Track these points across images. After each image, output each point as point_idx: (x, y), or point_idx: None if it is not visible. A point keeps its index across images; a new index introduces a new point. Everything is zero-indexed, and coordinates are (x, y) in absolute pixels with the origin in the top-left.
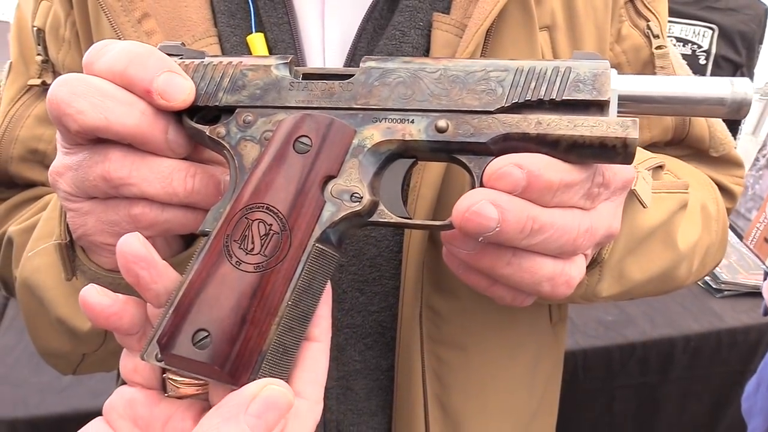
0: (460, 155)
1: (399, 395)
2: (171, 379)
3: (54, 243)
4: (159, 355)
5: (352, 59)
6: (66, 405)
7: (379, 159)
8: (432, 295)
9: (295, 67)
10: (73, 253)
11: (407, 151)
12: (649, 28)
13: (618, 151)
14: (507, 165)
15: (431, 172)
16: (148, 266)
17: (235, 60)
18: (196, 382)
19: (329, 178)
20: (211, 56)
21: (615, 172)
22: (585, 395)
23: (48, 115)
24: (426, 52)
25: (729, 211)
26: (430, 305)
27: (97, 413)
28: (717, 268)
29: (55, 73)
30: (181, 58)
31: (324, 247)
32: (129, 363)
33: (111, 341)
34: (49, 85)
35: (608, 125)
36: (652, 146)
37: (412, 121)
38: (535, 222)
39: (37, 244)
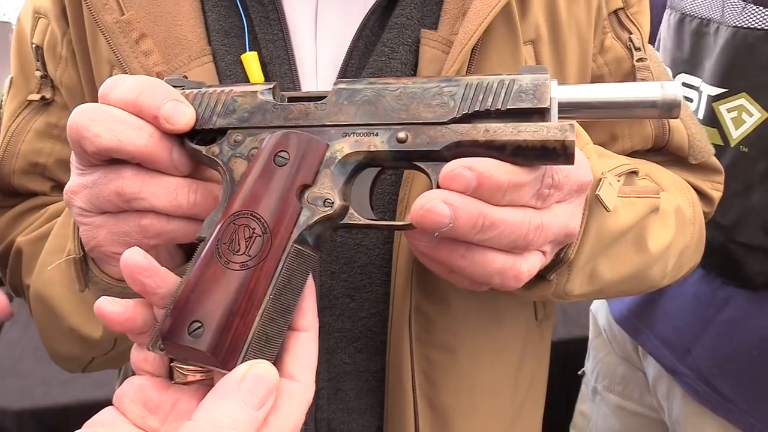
0: (419, 162)
1: (390, 395)
2: (178, 367)
3: (68, 258)
4: (161, 345)
5: (344, 75)
6: (70, 396)
7: (349, 169)
8: (421, 301)
9: (281, 92)
10: (86, 266)
11: (373, 161)
12: (631, 40)
13: (558, 153)
14: (458, 167)
15: (418, 185)
16: (151, 275)
17: (227, 88)
18: (201, 369)
19: (305, 186)
20: (208, 86)
21: (567, 174)
22: (577, 385)
23: (46, 130)
24: (414, 68)
25: (707, 215)
26: (419, 310)
27: (100, 403)
28: None
29: (54, 88)
30: (183, 89)
31: (301, 248)
32: (140, 354)
33: (120, 345)
34: (48, 99)
35: (548, 130)
36: (634, 153)
37: (377, 134)
38: (486, 219)
39: (49, 258)
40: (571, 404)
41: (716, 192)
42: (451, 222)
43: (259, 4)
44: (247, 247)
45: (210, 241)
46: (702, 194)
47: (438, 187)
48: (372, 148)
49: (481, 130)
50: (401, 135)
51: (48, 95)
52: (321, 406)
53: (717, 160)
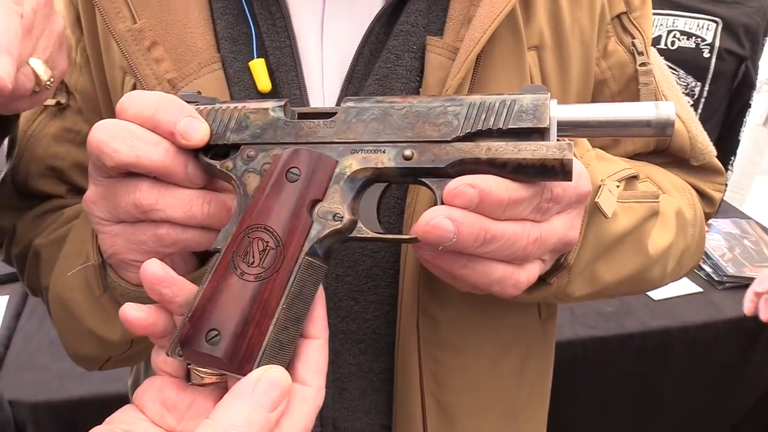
0: (424, 178)
1: (399, 395)
2: (195, 369)
3: (87, 264)
4: (180, 351)
5: (350, 81)
6: (84, 389)
7: (357, 184)
8: (428, 303)
9: (291, 108)
10: (104, 272)
11: (380, 177)
12: (633, 45)
13: (557, 171)
14: (461, 185)
15: (424, 192)
16: (168, 285)
17: (240, 104)
18: (217, 372)
19: (316, 201)
20: (221, 102)
21: (565, 188)
22: (584, 384)
23: (62, 134)
24: (420, 74)
25: (708, 215)
26: (426, 312)
27: (113, 397)
28: (722, 262)
29: (69, 94)
30: (196, 105)
31: (312, 260)
32: (160, 356)
33: (136, 345)
34: (63, 104)
35: (547, 148)
36: (636, 155)
37: (384, 151)
38: (487, 233)
39: (67, 261)
40: (576, 403)
41: (717, 193)
42: (455, 236)
43: (267, 12)
44: (261, 260)
45: (225, 253)
46: (703, 195)
47: (442, 202)
48: (379, 165)
49: (484, 149)
50: (407, 152)
51: (63, 100)
52: (326, 405)
53: (718, 162)
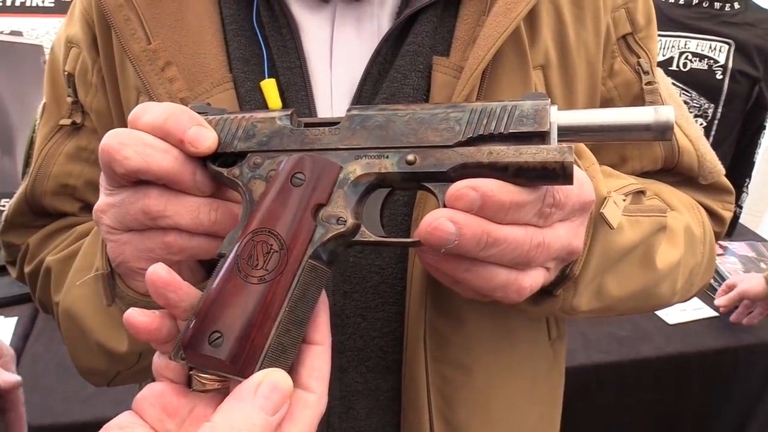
0: (427, 183)
1: (406, 413)
2: (197, 375)
3: (96, 274)
4: (183, 354)
5: (358, 100)
6: (90, 413)
7: (361, 189)
8: (435, 319)
9: (298, 118)
10: (113, 282)
11: (384, 182)
12: (639, 64)
13: (558, 173)
14: (463, 187)
15: (431, 205)
16: (174, 289)
17: (247, 114)
18: (218, 378)
19: (320, 205)
20: (229, 112)
21: (567, 194)
22: (598, 411)
23: (77, 153)
24: (426, 93)
25: (718, 235)
26: (434, 328)
27: None
28: None
29: (84, 114)
30: (206, 115)
31: (316, 263)
32: (162, 361)
33: (144, 359)
34: (79, 124)
35: (548, 152)
36: (644, 174)
37: (387, 157)
38: (489, 236)
39: (77, 276)
40: (589, 429)
41: (727, 212)
42: (457, 239)
43: (278, 34)
44: (265, 262)
45: (230, 257)
46: (713, 214)
47: (444, 206)
48: (383, 170)
49: (485, 153)
50: (410, 157)
51: (78, 120)
52: (333, 424)
53: (727, 181)
